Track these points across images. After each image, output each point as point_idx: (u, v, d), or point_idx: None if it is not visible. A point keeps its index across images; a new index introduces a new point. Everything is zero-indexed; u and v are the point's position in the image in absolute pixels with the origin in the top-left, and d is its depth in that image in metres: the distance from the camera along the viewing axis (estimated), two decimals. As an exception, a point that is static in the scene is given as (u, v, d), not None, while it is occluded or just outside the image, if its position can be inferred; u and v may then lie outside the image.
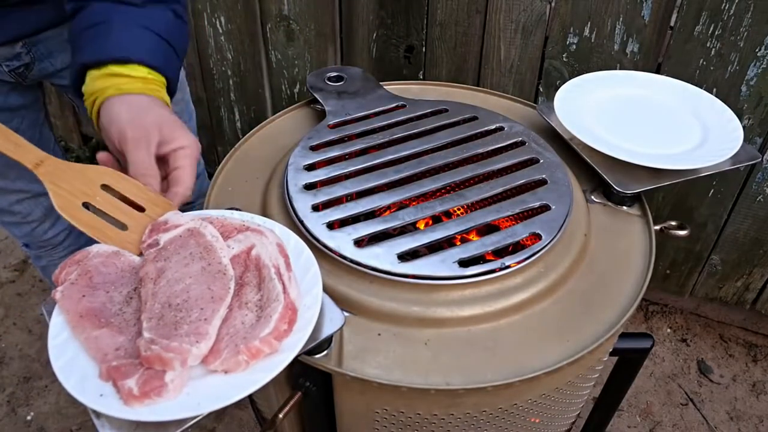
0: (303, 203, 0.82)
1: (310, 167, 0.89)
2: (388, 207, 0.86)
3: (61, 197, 0.70)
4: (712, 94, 1.04)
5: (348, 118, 1.00)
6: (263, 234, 0.71)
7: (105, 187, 0.72)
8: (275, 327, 0.62)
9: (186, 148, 0.74)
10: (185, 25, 0.86)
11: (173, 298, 0.63)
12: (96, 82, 0.76)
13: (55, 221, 1.25)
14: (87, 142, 2.41)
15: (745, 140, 0.94)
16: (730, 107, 1.00)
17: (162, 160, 0.75)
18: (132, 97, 0.75)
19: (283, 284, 0.66)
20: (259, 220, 0.75)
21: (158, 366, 0.58)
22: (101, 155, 0.75)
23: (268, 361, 0.61)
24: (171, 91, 0.83)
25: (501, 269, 0.76)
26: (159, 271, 0.66)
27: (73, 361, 0.60)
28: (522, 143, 0.94)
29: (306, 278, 0.69)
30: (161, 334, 0.60)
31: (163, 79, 0.80)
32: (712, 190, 1.50)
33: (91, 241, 0.70)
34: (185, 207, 0.75)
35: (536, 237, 0.80)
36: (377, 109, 1.02)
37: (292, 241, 0.73)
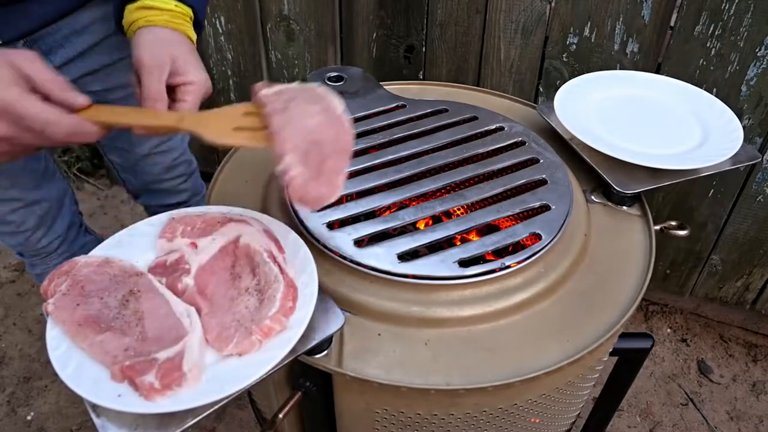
0: (303, 203, 0.82)
1: (310, 167, 0.89)
2: (388, 207, 0.86)
3: (211, 131, 0.71)
4: (712, 94, 1.04)
5: (348, 118, 1.00)
6: (247, 223, 0.72)
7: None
8: (281, 305, 0.63)
9: (193, 84, 0.78)
10: None
11: (314, 135, 0.65)
12: (131, 14, 0.83)
13: (48, 230, 1.23)
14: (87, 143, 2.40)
15: (745, 140, 0.94)
16: (730, 107, 1.00)
17: (172, 91, 0.79)
18: (158, 29, 0.81)
19: (279, 266, 0.67)
20: (237, 211, 0.76)
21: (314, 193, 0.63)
22: (131, 77, 0.80)
23: (278, 339, 0.63)
24: (198, 23, 0.88)
25: (501, 269, 0.76)
26: (282, 107, 0.69)
27: (80, 369, 0.60)
28: (522, 143, 0.94)
29: (298, 258, 0.70)
30: (311, 170, 0.64)
31: (190, 12, 0.86)
32: (712, 190, 1.50)
33: (83, 249, 0.70)
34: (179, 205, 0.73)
35: (536, 237, 0.80)
36: (377, 109, 1.02)
37: (276, 227, 0.74)
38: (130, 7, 0.84)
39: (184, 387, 0.58)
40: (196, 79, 0.79)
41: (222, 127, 0.72)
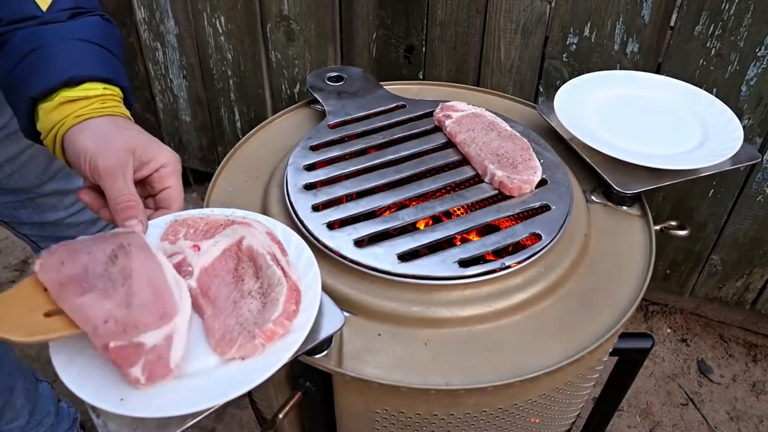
0: (303, 203, 0.83)
1: (310, 167, 0.89)
2: (388, 207, 0.86)
3: (15, 326, 0.58)
4: (712, 94, 1.04)
5: (348, 118, 1.00)
6: (251, 225, 0.72)
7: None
8: (284, 308, 0.63)
9: (168, 165, 0.70)
10: (116, 29, 0.79)
11: (499, 150, 0.87)
12: (51, 115, 0.69)
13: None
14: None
15: (745, 140, 0.94)
16: (730, 107, 1.00)
17: (143, 182, 0.71)
18: (93, 123, 0.68)
19: (282, 268, 0.67)
20: (241, 213, 0.76)
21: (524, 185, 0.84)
22: (82, 194, 0.70)
23: (282, 342, 0.62)
24: (128, 102, 0.76)
25: (501, 269, 0.76)
26: (470, 137, 0.90)
27: (82, 371, 0.60)
28: (522, 143, 0.95)
29: (301, 261, 0.70)
30: (509, 171, 0.84)
31: (119, 91, 0.74)
32: (712, 190, 1.50)
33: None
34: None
35: (536, 237, 0.80)
36: (377, 109, 1.02)
37: (279, 229, 0.74)
38: (45, 107, 0.69)
39: (168, 379, 0.58)
40: (167, 159, 0.70)
41: (27, 315, 0.58)
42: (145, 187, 0.72)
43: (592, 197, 0.92)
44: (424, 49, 1.55)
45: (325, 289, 0.72)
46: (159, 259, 0.64)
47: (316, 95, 1.05)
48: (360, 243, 0.77)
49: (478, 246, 0.78)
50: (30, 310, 0.59)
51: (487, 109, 0.96)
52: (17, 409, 1.28)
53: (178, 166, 0.71)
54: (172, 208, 0.71)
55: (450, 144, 0.94)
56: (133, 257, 0.62)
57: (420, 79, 1.57)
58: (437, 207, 0.83)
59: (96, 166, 0.66)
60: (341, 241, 0.77)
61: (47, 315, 0.59)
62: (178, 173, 0.71)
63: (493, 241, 0.79)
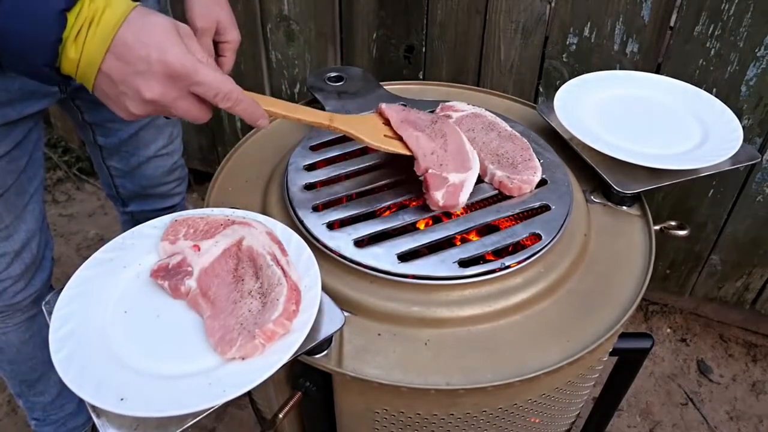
0: (303, 203, 0.83)
1: (310, 167, 0.89)
2: (388, 207, 0.86)
3: (365, 133, 0.82)
4: (712, 94, 1.04)
5: (348, 118, 1.00)
6: (251, 225, 0.72)
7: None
8: (284, 308, 0.63)
9: (231, 42, 0.95)
10: None
11: (499, 150, 0.88)
12: None
13: (28, 283, 1.13)
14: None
15: (744, 140, 0.94)
16: (730, 107, 1.00)
17: (215, 46, 0.96)
18: None
19: (282, 268, 0.67)
20: (241, 213, 0.76)
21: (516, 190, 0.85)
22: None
23: (282, 342, 0.63)
24: None
25: (501, 269, 0.76)
26: (470, 138, 0.89)
27: (83, 371, 0.60)
28: (522, 143, 0.95)
29: (301, 261, 0.70)
30: (508, 171, 0.85)
31: None
32: (712, 190, 1.50)
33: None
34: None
35: (536, 237, 0.80)
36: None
37: (279, 229, 0.74)
38: None
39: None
40: (232, 38, 0.95)
41: (374, 131, 0.84)
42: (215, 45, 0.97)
43: (592, 197, 0.92)
44: (424, 49, 1.55)
45: (325, 289, 0.72)
46: (462, 134, 0.86)
47: (316, 95, 1.05)
48: (360, 243, 0.78)
49: (477, 246, 0.78)
50: (375, 129, 0.85)
51: (487, 109, 0.96)
52: (50, 384, 1.33)
53: (236, 45, 0.96)
54: (223, 69, 0.94)
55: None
56: (446, 126, 0.86)
57: (420, 79, 1.57)
58: (437, 207, 0.83)
59: (194, 22, 0.91)
60: (341, 241, 0.77)
61: (385, 136, 0.84)
62: (234, 50, 0.96)
63: (492, 241, 0.79)
